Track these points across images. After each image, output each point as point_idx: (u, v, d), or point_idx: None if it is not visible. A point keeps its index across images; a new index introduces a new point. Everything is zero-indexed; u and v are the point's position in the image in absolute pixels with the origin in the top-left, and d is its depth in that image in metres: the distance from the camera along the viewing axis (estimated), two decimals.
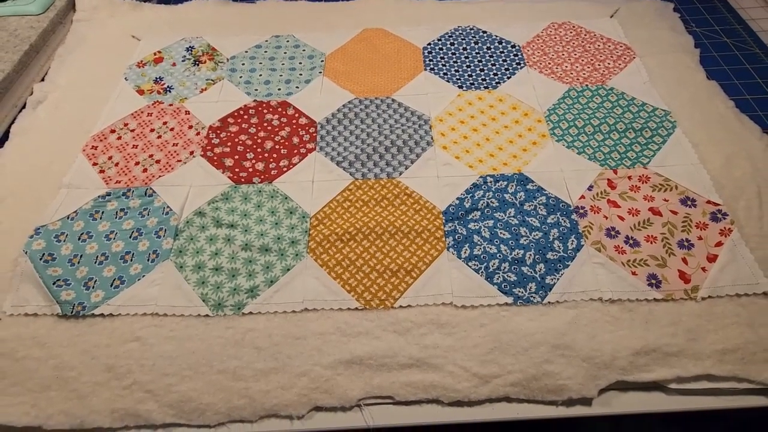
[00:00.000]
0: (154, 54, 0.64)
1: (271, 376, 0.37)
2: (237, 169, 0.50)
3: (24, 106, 0.58)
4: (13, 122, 0.56)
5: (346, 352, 0.38)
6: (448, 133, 0.53)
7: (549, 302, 0.40)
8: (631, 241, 0.43)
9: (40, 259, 0.44)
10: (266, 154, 0.52)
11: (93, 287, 0.42)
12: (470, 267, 0.42)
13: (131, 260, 0.44)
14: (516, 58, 0.60)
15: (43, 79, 0.61)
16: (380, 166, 0.50)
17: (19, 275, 0.43)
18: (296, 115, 0.55)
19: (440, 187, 0.48)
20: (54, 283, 0.42)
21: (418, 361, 0.37)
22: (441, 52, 0.61)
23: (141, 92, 0.59)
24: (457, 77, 0.58)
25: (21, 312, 0.41)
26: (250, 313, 0.40)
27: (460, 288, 0.41)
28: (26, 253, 0.44)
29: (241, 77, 0.60)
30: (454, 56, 0.61)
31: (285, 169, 0.50)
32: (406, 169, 0.49)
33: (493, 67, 0.59)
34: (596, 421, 0.38)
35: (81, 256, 0.44)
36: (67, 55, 0.64)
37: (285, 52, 0.63)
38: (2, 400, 0.36)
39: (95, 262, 0.44)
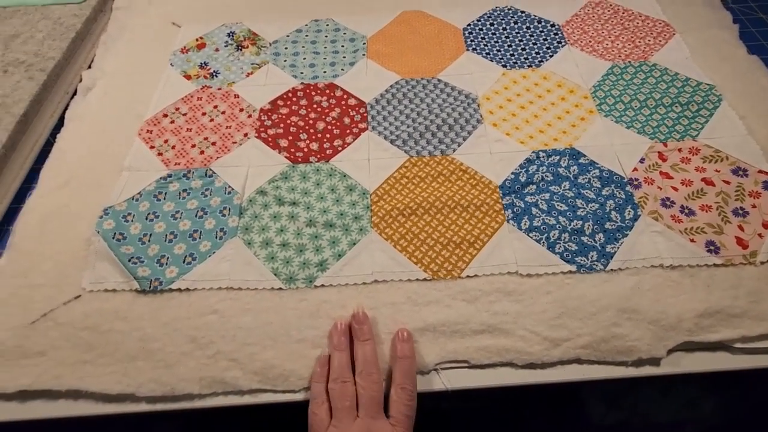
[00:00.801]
0: (196, 40, 0.65)
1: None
2: (292, 149, 0.52)
3: (75, 93, 0.60)
4: (66, 109, 0.58)
5: (419, 320, 0.40)
6: (496, 111, 0.54)
7: (611, 269, 0.41)
8: (686, 211, 0.44)
9: (113, 238, 0.45)
10: (319, 135, 0.53)
11: (166, 264, 0.44)
12: (531, 238, 0.43)
13: (199, 238, 0.45)
14: (557, 36, 0.61)
15: (89, 66, 0.62)
16: (433, 144, 0.51)
17: (93, 254, 0.44)
18: (345, 96, 0.56)
19: (494, 162, 0.49)
20: (129, 260, 0.43)
21: (489, 326, 0.39)
22: (481, 32, 0.62)
23: (188, 77, 0.60)
24: (500, 56, 0.59)
25: (100, 288, 0.42)
26: (322, 285, 0.42)
27: (524, 258, 0.42)
28: (98, 232, 0.45)
29: (285, 61, 0.61)
30: (494, 36, 0.62)
31: (340, 148, 0.51)
32: (459, 146, 0.51)
33: (535, 46, 0.60)
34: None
35: (150, 234, 0.46)
36: (110, 43, 0.65)
37: (326, 36, 0.64)
38: (94, 371, 0.38)
39: (165, 240, 0.45)
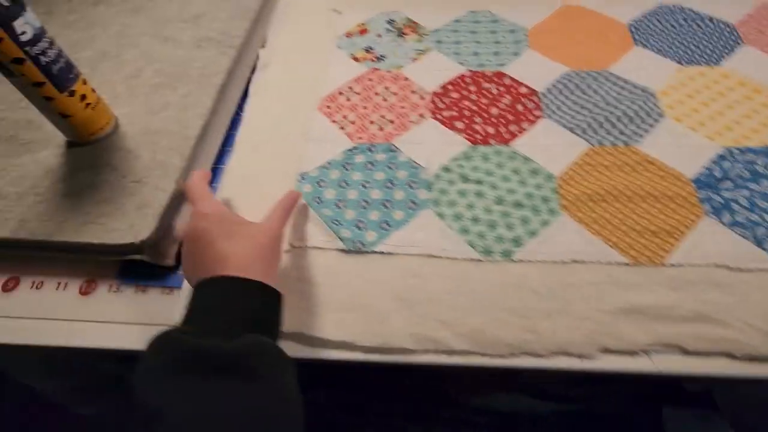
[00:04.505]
0: (358, 26, 0.68)
1: (555, 317, 0.40)
2: (470, 132, 0.53)
3: (253, 69, 0.64)
4: (248, 83, 0.63)
5: (624, 301, 0.40)
6: (676, 106, 0.53)
7: None
8: None
9: (312, 200, 0.49)
10: (494, 119, 0.54)
11: (364, 228, 0.47)
12: (735, 233, 0.43)
13: (391, 207, 0.48)
14: (732, 36, 0.59)
15: (262, 46, 0.67)
16: (614, 135, 0.51)
17: (296, 213, 0.48)
18: (514, 84, 0.57)
19: (682, 156, 0.48)
20: (332, 222, 0.47)
21: (700, 315, 0.39)
22: (648, 28, 0.62)
23: (356, 59, 0.64)
24: (672, 53, 0.58)
25: (306, 245, 0.46)
26: (520, 260, 0.43)
27: (730, 252, 0.42)
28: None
29: (448, 48, 0.63)
30: (663, 33, 0.61)
31: (517, 133, 0.53)
32: (641, 138, 0.51)
33: (709, 44, 0.59)
34: None
35: (344, 201, 0.49)
36: (278, 25, 0.70)
37: (485, 27, 0.65)
38: (310, 319, 0.41)
39: (359, 207, 0.48)
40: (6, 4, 0.39)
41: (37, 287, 0.47)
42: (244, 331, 0.30)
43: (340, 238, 0.46)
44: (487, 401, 0.88)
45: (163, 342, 0.29)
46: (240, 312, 0.31)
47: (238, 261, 0.34)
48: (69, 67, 0.47)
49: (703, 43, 0.59)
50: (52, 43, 0.44)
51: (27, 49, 0.42)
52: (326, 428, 0.82)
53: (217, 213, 0.39)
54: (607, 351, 0.38)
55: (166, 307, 0.44)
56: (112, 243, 0.44)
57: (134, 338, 0.43)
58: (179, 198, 0.49)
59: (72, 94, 0.47)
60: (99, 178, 0.49)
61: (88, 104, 0.49)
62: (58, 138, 0.54)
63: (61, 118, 0.48)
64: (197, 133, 0.52)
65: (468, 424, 0.86)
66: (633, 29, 0.62)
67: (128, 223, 0.45)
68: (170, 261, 0.46)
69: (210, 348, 0.28)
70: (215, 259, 0.34)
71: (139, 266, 0.46)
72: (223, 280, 0.33)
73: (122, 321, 0.44)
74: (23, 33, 0.41)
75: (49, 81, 0.45)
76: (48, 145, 0.53)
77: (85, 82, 0.49)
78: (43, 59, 0.43)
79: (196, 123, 0.53)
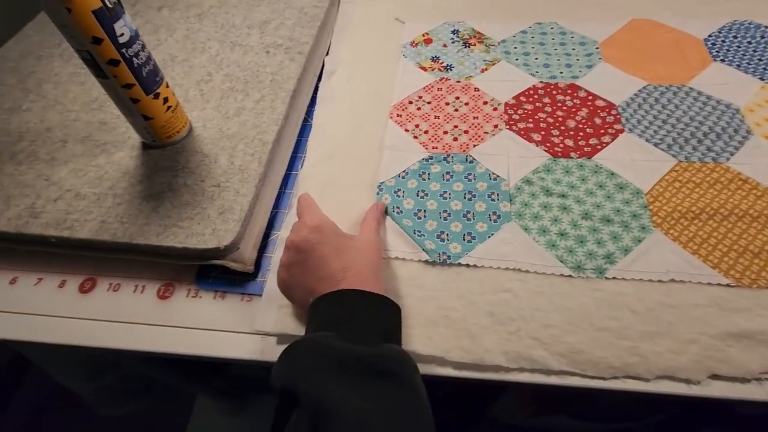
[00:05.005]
0: (423, 35, 0.68)
1: (658, 339, 0.38)
2: (548, 144, 0.52)
3: (320, 77, 0.64)
4: (315, 90, 0.63)
5: (732, 325, 0.38)
6: (763, 124, 0.51)
7: None
8: None
9: (393, 211, 0.48)
10: (571, 132, 0.53)
11: (447, 240, 0.46)
12: None
13: (473, 219, 0.47)
14: None
15: (327, 53, 0.68)
16: (701, 151, 0.50)
17: None
18: (590, 97, 0.56)
19: None
20: (414, 233, 0.46)
21: None
22: (725, 44, 0.60)
23: (424, 69, 0.63)
24: (753, 69, 0.57)
25: (390, 256, 0.45)
26: (614, 278, 0.42)
27: None
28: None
29: (517, 60, 0.62)
30: (740, 49, 0.59)
31: (598, 147, 0.51)
32: (731, 155, 0.49)
33: None
34: None
35: (424, 211, 0.48)
36: (341, 33, 0.70)
37: (553, 38, 0.64)
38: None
39: (440, 218, 0.47)
40: (110, 5, 0.39)
41: (114, 289, 0.46)
42: (380, 341, 0.30)
43: (423, 250, 0.45)
44: (524, 420, 0.86)
45: (316, 345, 0.30)
46: (372, 323, 0.31)
47: (355, 275, 0.34)
48: (156, 70, 0.47)
49: None
50: (144, 47, 0.44)
51: (123, 51, 0.42)
52: None
53: (325, 227, 0.38)
54: (716, 377, 0.37)
55: (247, 314, 0.43)
56: (196, 247, 0.44)
57: (215, 345, 0.42)
58: (258, 204, 0.48)
59: (156, 96, 0.47)
60: (177, 182, 0.49)
61: (169, 107, 0.49)
62: (133, 139, 0.54)
63: (143, 120, 0.48)
64: (274, 138, 0.52)
65: None
66: (709, 45, 0.60)
67: (211, 228, 0.45)
68: (251, 268, 0.45)
69: (363, 352, 0.28)
70: (330, 273, 0.34)
71: (217, 271, 0.46)
72: (349, 294, 0.33)
73: (203, 327, 0.43)
74: (122, 35, 0.41)
75: (138, 83, 0.45)
76: (123, 146, 0.54)
77: (167, 86, 0.49)
78: (135, 61, 0.43)
79: (272, 128, 0.53)
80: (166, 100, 0.49)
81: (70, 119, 0.57)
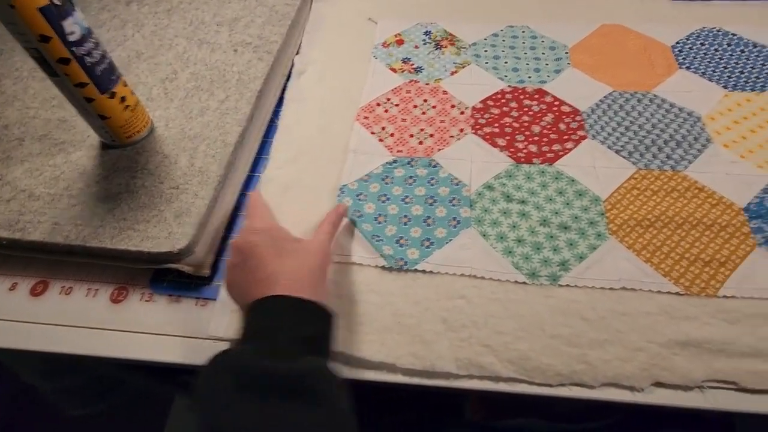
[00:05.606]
0: (395, 36, 0.67)
1: (607, 347, 0.39)
2: (512, 149, 0.52)
3: (288, 77, 0.64)
4: (283, 90, 0.62)
5: (680, 334, 0.39)
6: (724, 132, 0.52)
7: None
8: None
9: (353, 214, 0.48)
10: (536, 137, 0.53)
11: (406, 245, 0.45)
12: None
13: (433, 224, 0.47)
14: None
15: (298, 52, 0.67)
16: (660, 159, 0.50)
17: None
18: (556, 102, 0.57)
19: (732, 184, 0.47)
20: (372, 238, 0.46)
21: (758, 351, 0.37)
22: (692, 51, 0.61)
23: (394, 70, 0.63)
24: (717, 77, 0.57)
25: (347, 261, 0.45)
26: (567, 285, 0.42)
27: None
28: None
29: (487, 63, 0.62)
30: (707, 56, 0.60)
31: (561, 153, 0.52)
32: (689, 163, 0.49)
33: (753, 70, 0.58)
34: None
35: (385, 216, 0.48)
36: (313, 32, 0.69)
37: (523, 42, 0.64)
38: (352, 337, 0.40)
39: (400, 223, 0.47)
40: (58, 3, 0.38)
41: (66, 293, 0.46)
42: (302, 352, 0.29)
43: (381, 255, 0.44)
44: (500, 422, 0.87)
45: (227, 361, 0.29)
46: (297, 332, 0.31)
47: (289, 280, 0.33)
48: (111, 68, 0.46)
49: (748, 68, 0.58)
50: (97, 44, 0.43)
51: (74, 49, 0.41)
52: None
53: (269, 229, 0.38)
54: (659, 384, 0.37)
55: (201, 319, 0.43)
56: (150, 251, 0.43)
57: (168, 350, 0.42)
58: (216, 207, 0.48)
59: (113, 95, 0.46)
60: (135, 183, 0.48)
61: (127, 106, 0.48)
62: (92, 138, 0.53)
63: (99, 120, 0.47)
64: (236, 140, 0.51)
65: None
66: (676, 51, 0.61)
67: (167, 231, 0.44)
68: (207, 271, 0.45)
69: (275, 370, 0.27)
70: (265, 276, 0.34)
71: (171, 275, 0.46)
72: (278, 300, 0.32)
73: (156, 332, 0.43)
74: (71, 33, 0.40)
75: (92, 82, 0.44)
76: (82, 146, 0.52)
77: (125, 84, 0.48)
78: (88, 60, 0.42)
79: (235, 129, 0.52)
80: (123, 99, 0.48)
81: (28, 116, 0.56)
